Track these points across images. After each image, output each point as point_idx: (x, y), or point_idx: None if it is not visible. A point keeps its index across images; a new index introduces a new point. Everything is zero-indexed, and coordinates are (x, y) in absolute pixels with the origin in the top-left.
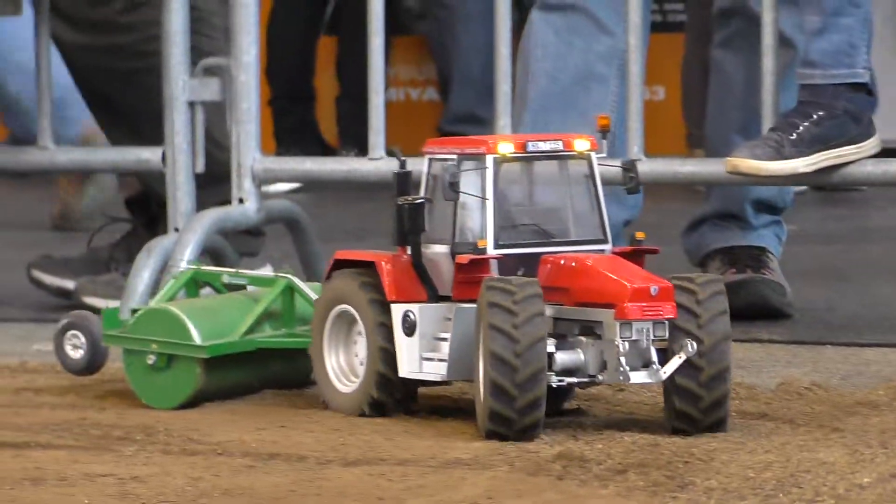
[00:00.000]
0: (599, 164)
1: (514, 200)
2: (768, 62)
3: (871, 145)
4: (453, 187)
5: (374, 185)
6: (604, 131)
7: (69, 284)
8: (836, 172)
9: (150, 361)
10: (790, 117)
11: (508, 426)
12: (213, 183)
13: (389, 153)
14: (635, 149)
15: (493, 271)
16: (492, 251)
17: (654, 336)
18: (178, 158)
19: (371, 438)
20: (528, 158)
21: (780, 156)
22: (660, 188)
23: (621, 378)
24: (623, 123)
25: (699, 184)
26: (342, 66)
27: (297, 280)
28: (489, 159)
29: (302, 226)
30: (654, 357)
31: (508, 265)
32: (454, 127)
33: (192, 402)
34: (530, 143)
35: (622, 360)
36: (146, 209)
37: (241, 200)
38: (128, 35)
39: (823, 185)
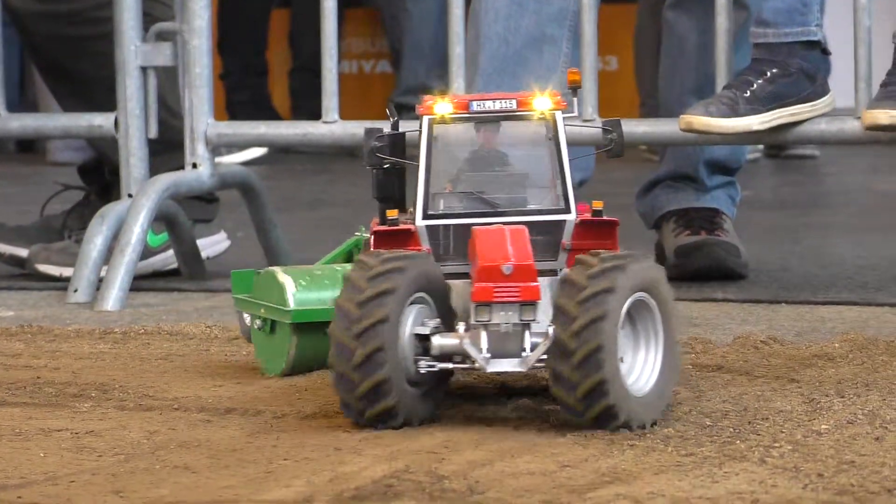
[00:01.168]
0: (572, 126)
1: (459, 166)
2: (722, 21)
3: (825, 103)
4: (371, 153)
5: (328, 148)
6: (574, 87)
7: (22, 252)
8: (791, 131)
9: (256, 326)
10: (744, 75)
11: (358, 414)
12: (167, 149)
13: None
14: (589, 109)
15: (424, 243)
16: (420, 222)
17: (522, 319)
18: (130, 124)
19: (328, 393)
20: (477, 120)
21: (735, 113)
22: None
23: (478, 366)
24: None
25: (654, 143)
26: (295, 38)
27: None
28: (424, 121)
29: (256, 192)
30: (527, 342)
31: (442, 236)
32: (406, 99)
33: (293, 371)
34: (474, 103)
35: (470, 345)
36: (99, 176)
37: (194, 165)
38: (79, 1)
39: (777, 144)
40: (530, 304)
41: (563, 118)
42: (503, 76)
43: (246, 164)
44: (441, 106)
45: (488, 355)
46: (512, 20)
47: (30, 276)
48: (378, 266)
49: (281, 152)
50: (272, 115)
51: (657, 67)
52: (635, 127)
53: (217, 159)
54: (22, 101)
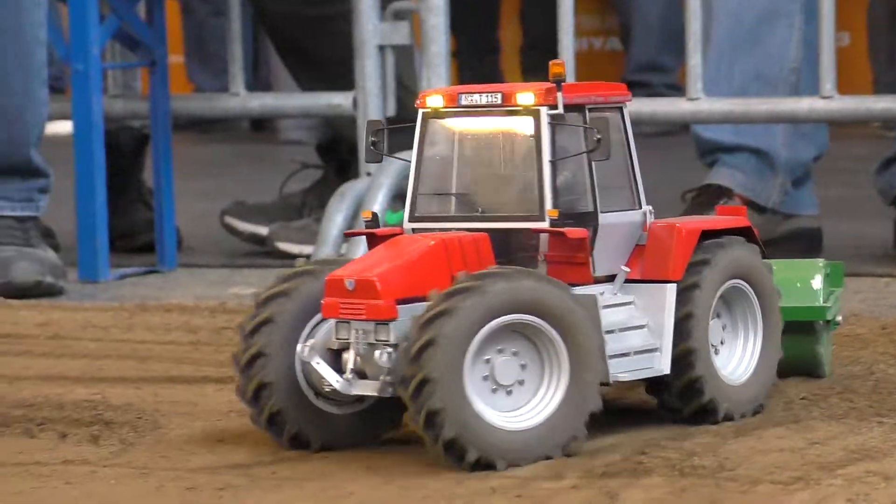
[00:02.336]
0: (557, 123)
1: (451, 164)
2: None
3: None
4: (372, 148)
5: None
6: (558, 80)
7: (262, 230)
8: None
9: None
10: None
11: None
12: (405, 127)
13: None
14: (828, 86)
15: None
16: (407, 224)
17: (377, 339)
18: (369, 102)
19: None
20: (467, 114)
21: None
22: (847, 132)
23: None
24: (809, 61)
25: (893, 120)
26: (526, 17)
27: None
28: (419, 115)
29: None
30: (384, 363)
31: None
32: (636, 76)
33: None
34: (463, 96)
35: (325, 366)
36: (337, 155)
37: None
38: None
39: None
40: (384, 323)
41: (549, 114)
42: (735, 52)
43: None
44: (433, 99)
45: (350, 377)
46: None
47: (269, 254)
48: (265, 291)
49: None
50: None
51: (891, 42)
52: (873, 104)
53: None
54: (255, 81)
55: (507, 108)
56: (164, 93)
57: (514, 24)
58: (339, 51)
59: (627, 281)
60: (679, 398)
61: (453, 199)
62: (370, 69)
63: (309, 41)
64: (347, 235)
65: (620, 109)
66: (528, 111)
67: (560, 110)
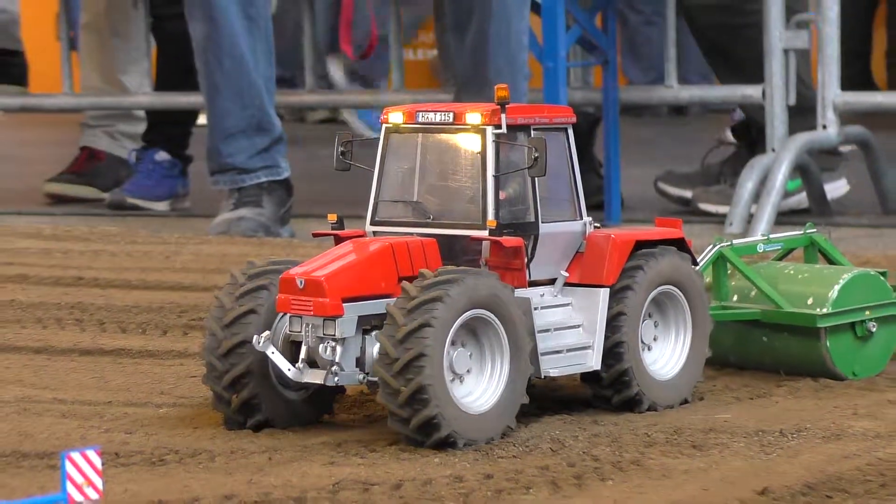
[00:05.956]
0: (500, 142)
1: (409, 175)
2: None
3: None
4: (338, 158)
5: None
6: (502, 103)
7: (688, 194)
8: None
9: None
10: None
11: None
12: (802, 114)
13: None
14: None
15: None
16: (368, 227)
17: (325, 333)
18: (775, 94)
19: None
20: (424, 130)
21: None
22: None
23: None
24: None
25: None
26: (890, 23)
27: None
28: (383, 129)
29: (872, 147)
30: (333, 356)
31: None
32: None
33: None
34: (420, 113)
35: (279, 356)
36: (747, 134)
37: (824, 127)
38: None
39: None
40: (331, 319)
41: (494, 133)
42: None
43: None
44: (394, 115)
45: (301, 366)
46: None
47: (693, 212)
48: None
49: None
50: (874, 88)
51: None
52: None
53: None
54: None
55: (457, 126)
56: (614, 85)
57: (881, 31)
58: (751, 52)
59: (567, 284)
60: (609, 388)
61: (409, 206)
62: (776, 67)
63: (729, 44)
64: (315, 236)
65: (565, 129)
66: (475, 130)
67: (503, 130)
